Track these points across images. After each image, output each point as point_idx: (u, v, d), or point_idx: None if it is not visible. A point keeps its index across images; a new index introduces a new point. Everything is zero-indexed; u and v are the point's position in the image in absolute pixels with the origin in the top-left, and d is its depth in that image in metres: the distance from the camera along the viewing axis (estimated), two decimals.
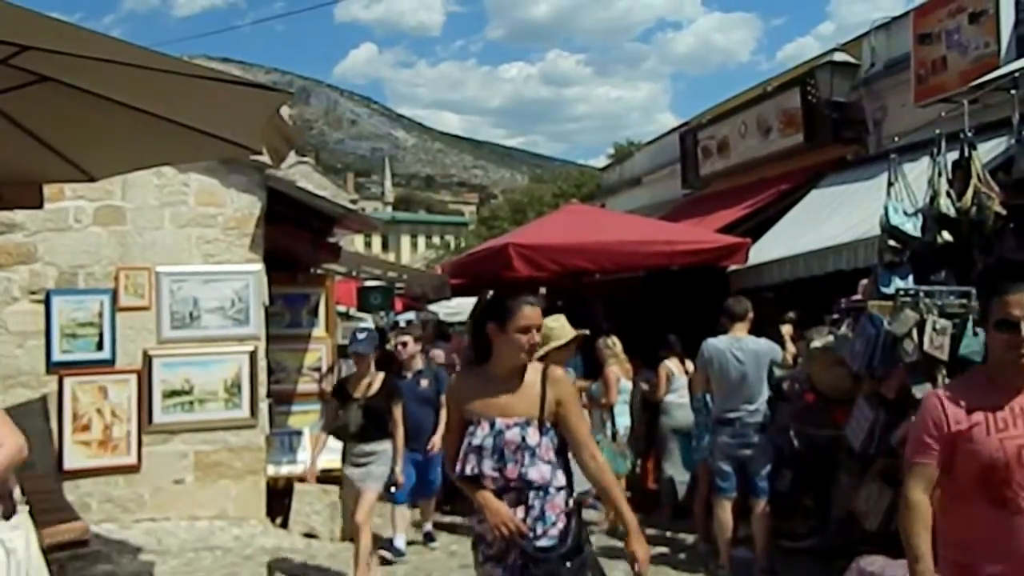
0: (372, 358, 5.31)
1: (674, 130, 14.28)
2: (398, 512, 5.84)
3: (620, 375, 6.65)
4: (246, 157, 5.18)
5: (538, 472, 2.68)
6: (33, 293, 5.78)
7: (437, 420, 5.66)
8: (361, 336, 5.30)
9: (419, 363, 6.05)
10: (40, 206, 4.60)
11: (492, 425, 2.71)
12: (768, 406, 5.27)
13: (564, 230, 7.92)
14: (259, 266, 6.21)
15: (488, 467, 2.68)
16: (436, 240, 59.09)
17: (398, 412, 5.17)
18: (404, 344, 6.04)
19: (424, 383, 5.91)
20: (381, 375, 5.26)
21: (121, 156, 4.29)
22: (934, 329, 4.20)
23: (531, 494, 2.68)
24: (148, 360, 5.91)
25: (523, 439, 2.69)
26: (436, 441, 5.66)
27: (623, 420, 6.64)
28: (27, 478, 5.08)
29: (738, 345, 5.24)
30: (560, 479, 2.74)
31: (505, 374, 2.76)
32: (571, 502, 2.76)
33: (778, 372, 5.59)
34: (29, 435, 5.22)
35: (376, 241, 54.93)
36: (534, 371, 2.78)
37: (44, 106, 3.49)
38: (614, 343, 6.84)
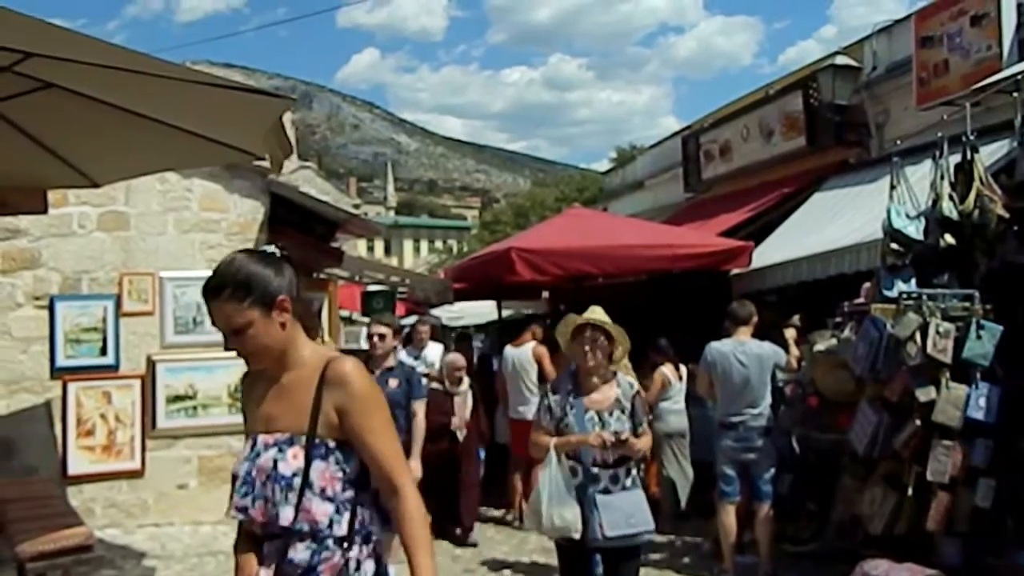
0: None
1: (676, 134, 14.29)
2: None
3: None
4: (249, 162, 5.19)
5: (302, 513, 1.86)
6: (37, 299, 5.80)
7: (409, 427, 5.05)
8: None
9: (391, 360, 5.22)
10: (44, 212, 4.62)
11: (253, 444, 1.96)
12: (771, 410, 5.26)
13: (567, 234, 7.91)
14: None
15: (249, 504, 1.90)
16: (439, 244, 59.15)
17: None
18: (381, 337, 5.16)
19: (393, 383, 5.09)
20: None
21: (125, 162, 4.31)
22: (937, 332, 4.19)
23: (298, 545, 1.87)
24: (152, 365, 5.92)
25: (275, 465, 1.88)
26: (415, 464, 4.96)
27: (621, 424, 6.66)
28: (31, 483, 5.11)
29: (741, 349, 5.24)
30: (343, 525, 1.89)
31: (277, 368, 1.99)
32: (369, 561, 1.93)
33: (781, 376, 5.59)
34: (33, 440, 5.26)
35: (379, 245, 55.00)
36: (315, 365, 1.95)
37: (48, 112, 3.51)
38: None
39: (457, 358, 6.69)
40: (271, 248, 2.03)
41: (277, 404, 1.96)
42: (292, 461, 1.88)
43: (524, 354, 6.86)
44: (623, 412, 3.65)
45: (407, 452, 4.88)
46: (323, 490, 1.89)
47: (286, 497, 1.86)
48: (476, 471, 6.72)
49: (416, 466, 4.94)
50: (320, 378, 1.92)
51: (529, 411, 6.71)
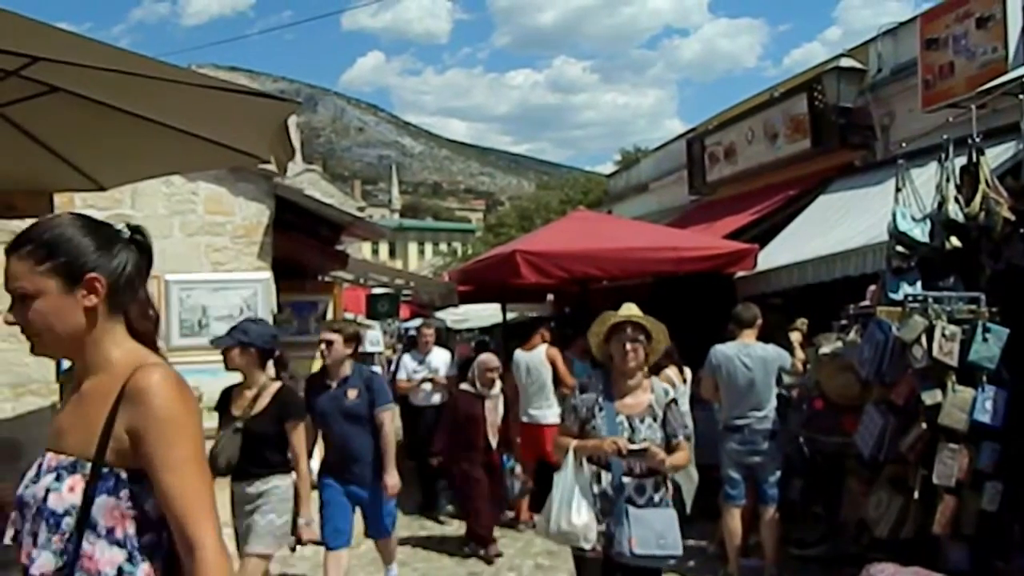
0: (256, 355, 4.04)
1: (681, 136, 14.29)
2: (331, 560, 4.58)
3: None
4: (254, 166, 5.21)
5: (82, 560, 1.46)
6: None
7: (377, 443, 4.64)
8: (245, 324, 4.13)
9: (347, 369, 4.70)
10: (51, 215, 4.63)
11: (40, 464, 1.61)
12: (777, 413, 5.25)
13: (571, 237, 7.92)
14: (267, 274, 6.24)
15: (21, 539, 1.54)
16: (443, 247, 59.22)
17: (297, 437, 3.99)
18: (329, 344, 4.66)
19: (352, 394, 4.62)
20: (276, 385, 4.10)
21: (130, 165, 4.32)
22: (943, 335, 4.18)
23: None
24: None
25: (45, 496, 1.51)
26: (392, 482, 4.66)
27: None
28: None
29: (746, 352, 5.23)
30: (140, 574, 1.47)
31: (80, 369, 1.62)
32: None
33: (787, 379, 5.58)
34: (39, 443, 5.25)
35: (383, 248, 55.11)
36: (120, 373, 1.55)
37: (55, 116, 3.52)
38: None
39: (490, 358, 6.32)
40: (121, 225, 1.70)
41: (70, 417, 1.57)
42: (67, 494, 1.49)
43: (537, 357, 6.83)
44: (655, 420, 3.45)
45: (380, 467, 4.59)
46: (110, 531, 1.48)
47: (48, 540, 1.47)
48: (500, 480, 6.55)
49: (393, 482, 4.64)
50: (120, 390, 1.51)
51: (543, 415, 6.69)
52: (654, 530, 3.28)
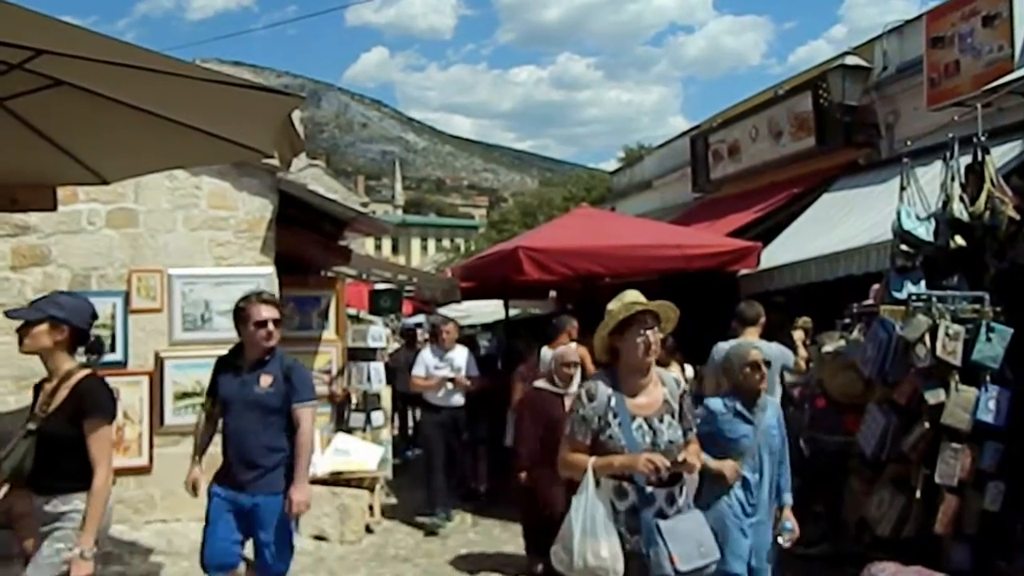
0: (68, 337, 3.26)
1: (685, 133, 14.26)
2: None
3: None
4: (258, 160, 5.20)
5: None
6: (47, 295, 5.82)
7: (290, 445, 3.78)
8: (57, 296, 3.43)
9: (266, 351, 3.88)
10: (54, 209, 4.64)
11: None
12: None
13: (574, 233, 7.90)
14: (270, 269, 6.24)
15: None
16: (446, 243, 59.22)
17: (96, 441, 3.13)
18: (276, 324, 3.85)
19: (264, 382, 3.80)
20: (80, 375, 3.25)
21: (134, 159, 4.32)
22: (947, 334, 4.18)
23: None
24: (160, 362, 5.94)
25: None
26: (299, 498, 3.72)
27: None
28: None
29: None
30: None
31: None
32: None
33: (790, 377, 5.57)
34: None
35: (386, 244, 55.12)
36: None
37: (59, 110, 3.52)
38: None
39: (568, 351, 5.48)
40: None
41: None
42: None
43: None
44: (673, 416, 3.08)
45: (289, 477, 3.73)
46: None
47: None
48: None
49: (300, 498, 3.72)
50: None
51: None
52: (692, 539, 2.98)
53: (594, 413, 3.03)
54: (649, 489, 2.96)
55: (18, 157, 4.02)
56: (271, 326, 3.82)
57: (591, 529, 2.88)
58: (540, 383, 5.46)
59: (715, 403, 4.01)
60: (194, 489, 4.03)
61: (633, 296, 3.15)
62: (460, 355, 7.21)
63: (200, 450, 4.13)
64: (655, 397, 3.09)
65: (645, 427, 3.02)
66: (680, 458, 2.98)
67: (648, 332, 3.02)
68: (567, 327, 6.78)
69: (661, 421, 3.05)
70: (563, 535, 2.98)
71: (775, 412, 4.02)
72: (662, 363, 6.51)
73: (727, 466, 3.80)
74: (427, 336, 10.44)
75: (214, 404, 4.00)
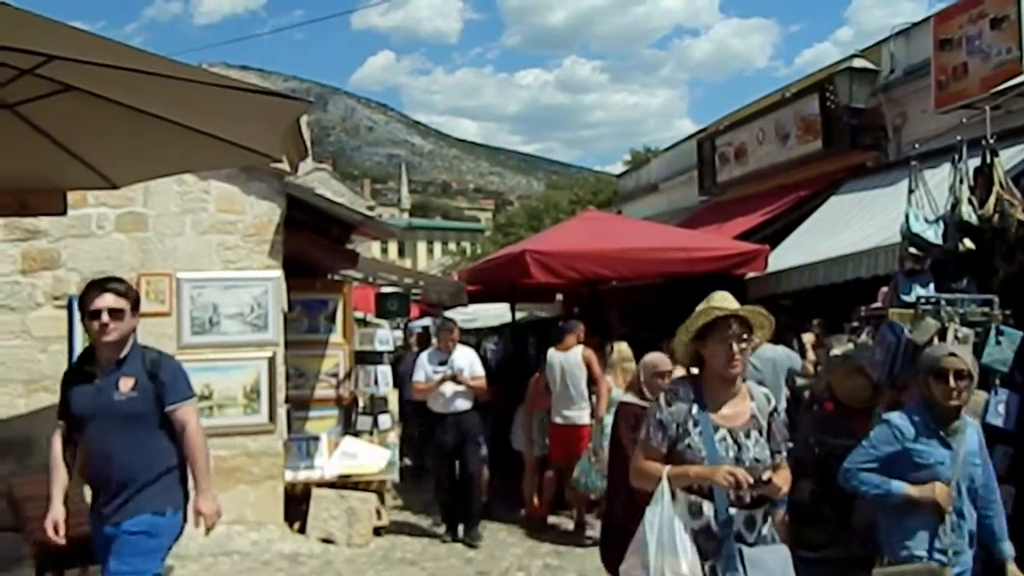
0: None
1: (691, 136, 14.26)
2: None
3: (614, 385, 6.23)
4: (266, 164, 5.22)
5: None
6: (56, 299, 5.86)
7: (177, 454, 3.30)
8: None
9: (125, 348, 3.28)
10: (64, 213, 4.66)
11: None
12: (787, 415, 5.23)
13: (581, 237, 7.91)
14: (278, 272, 6.26)
15: None
16: (452, 246, 59.28)
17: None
18: (114, 316, 3.19)
19: (125, 386, 3.23)
20: None
21: (143, 164, 4.35)
22: (956, 338, 4.15)
23: None
24: None
25: None
26: (208, 509, 3.25)
27: None
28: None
29: (755, 353, 5.20)
30: None
31: None
32: None
33: (800, 381, 5.55)
34: (51, 439, 5.26)
35: (392, 247, 55.22)
36: None
37: (68, 114, 3.54)
38: (617, 350, 6.45)
39: (660, 359, 4.62)
40: None
41: None
42: None
43: (574, 358, 6.59)
44: (761, 433, 2.80)
45: (182, 491, 3.27)
46: None
47: None
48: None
49: (209, 509, 3.25)
50: None
51: (579, 416, 6.62)
52: (774, 574, 2.69)
53: (672, 419, 2.78)
54: (731, 510, 2.68)
55: (29, 161, 4.05)
56: (106, 317, 3.13)
57: (668, 543, 2.61)
58: (627, 396, 4.68)
59: (898, 418, 3.37)
60: (55, 531, 3.25)
61: (719, 299, 2.87)
62: (462, 356, 6.71)
63: (58, 484, 3.33)
64: (741, 410, 2.82)
65: (729, 440, 2.75)
66: (765, 476, 2.67)
67: (735, 341, 2.74)
68: (575, 330, 6.77)
69: (747, 436, 2.77)
70: (636, 549, 2.71)
71: (977, 436, 3.35)
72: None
73: (936, 490, 3.11)
74: (419, 339, 10.30)
75: (70, 425, 3.32)
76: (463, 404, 6.55)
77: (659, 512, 2.65)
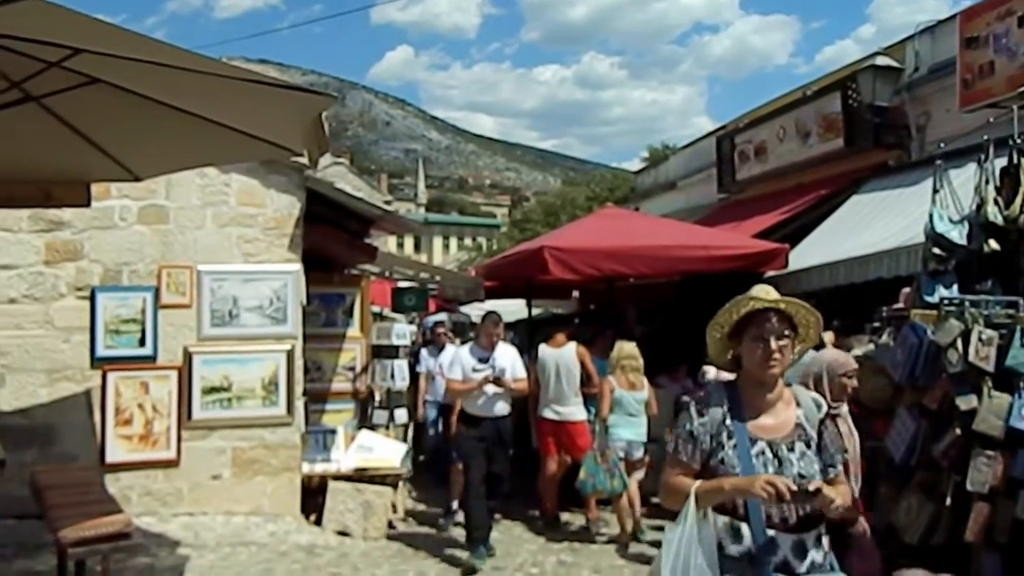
0: None
1: (711, 134, 14.17)
2: None
3: (616, 385, 6.24)
4: (287, 158, 5.25)
5: None
6: (79, 290, 5.92)
7: None
8: None
9: None
10: (87, 204, 4.71)
11: None
12: None
13: (599, 234, 7.88)
14: (297, 266, 6.29)
15: None
16: (468, 242, 59.33)
17: None
18: None
19: None
20: None
21: (166, 156, 4.38)
22: (980, 339, 4.11)
23: None
24: (188, 357, 6.01)
25: None
26: None
27: (622, 432, 6.18)
28: (71, 470, 5.22)
29: None
30: None
31: None
32: None
33: None
34: (74, 428, 5.36)
35: (408, 242, 55.29)
36: None
37: (93, 107, 3.58)
38: (617, 349, 6.44)
39: (844, 358, 4.04)
40: None
41: None
42: None
43: (568, 355, 6.63)
44: (808, 446, 2.44)
45: None
46: None
47: None
48: None
49: None
50: None
51: (572, 412, 6.62)
52: None
53: (705, 431, 2.44)
54: (771, 532, 2.32)
55: (53, 153, 4.10)
56: None
57: (683, 570, 2.27)
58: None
59: None
60: None
61: (759, 290, 2.52)
62: (504, 354, 6.01)
63: None
64: (784, 419, 2.46)
65: (768, 453, 2.40)
66: (812, 487, 2.26)
67: (775, 338, 2.40)
68: (566, 330, 6.73)
69: (791, 449, 2.41)
70: (651, 572, 2.45)
71: None
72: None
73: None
74: (426, 338, 9.82)
75: None
76: (502, 408, 5.93)
77: (679, 534, 2.31)
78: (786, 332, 2.44)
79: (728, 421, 2.44)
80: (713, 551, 2.30)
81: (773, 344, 2.40)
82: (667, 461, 2.55)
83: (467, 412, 5.94)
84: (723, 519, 2.36)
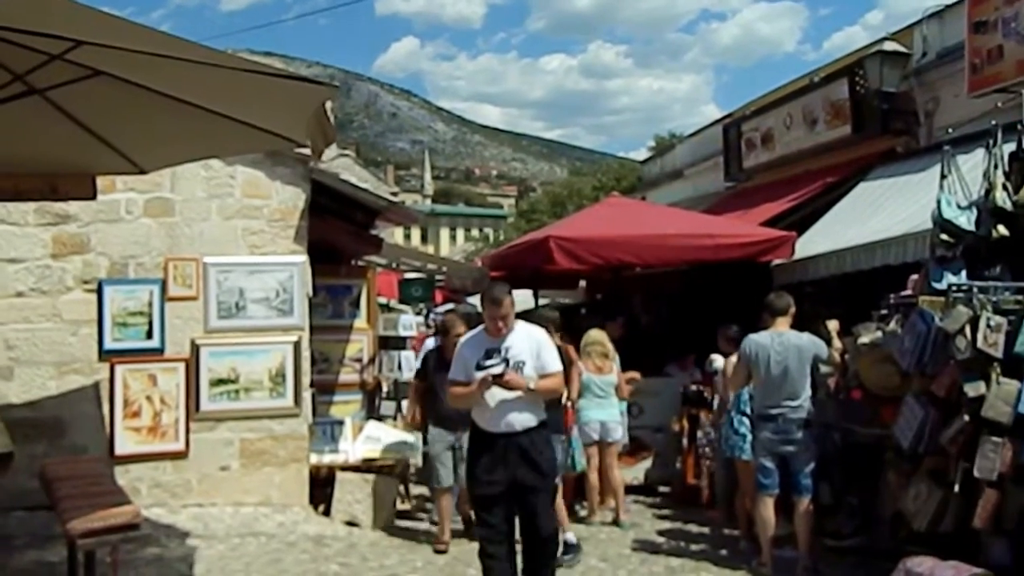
0: None
1: (717, 122, 14.09)
2: None
3: (584, 369, 6.48)
4: (291, 150, 5.24)
5: None
6: (86, 283, 5.94)
7: None
8: None
9: None
10: (93, 197, 4.72)
11: None
12: (813, 403, 5.18)
13: (605, 223, 7.87)
14: (303, 257, 6.29)
15: None
16: (475, 233, 59.26)
17: None
18: None
19: None
20: None
21: (171, 149, 4.39)
22: (988, 326, 4.08)
23: None
24: (196, 349, 6.03)
25: None
26: None
27: (592, 414, 6.48)
28: (81, 462, 5.25)
29: (779, 340, 5.16)
30: None
31: None
32: None
33: (825, 369, 5.50)
34: (82, 420, 5.37)
35: (415, 233, 55.29)
36: None
37: (98, 100, 3.58)
38: (586, 336, 6.64)
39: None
40: None
41: None
42: None
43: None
44: None
45: None
46: None
47: None
48: None
49: None
50: None
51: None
52: None
53: None
54: None
55: (58, 147, 4.10)
56: None
57: None
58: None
59: None
60: None
61: None
62: (523, 340, 4.27)
63: None
64: None
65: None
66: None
67: None
68: (549, 320, 5.98)
69: None
70: None
71: None
72: (727, 353, 6.36)
73: None
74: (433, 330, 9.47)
75: None
76: (526, 419, 4.17)
77: None
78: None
79: None
80: None
81: None
82: None
83: (477, 427, 4.29)
84: None
